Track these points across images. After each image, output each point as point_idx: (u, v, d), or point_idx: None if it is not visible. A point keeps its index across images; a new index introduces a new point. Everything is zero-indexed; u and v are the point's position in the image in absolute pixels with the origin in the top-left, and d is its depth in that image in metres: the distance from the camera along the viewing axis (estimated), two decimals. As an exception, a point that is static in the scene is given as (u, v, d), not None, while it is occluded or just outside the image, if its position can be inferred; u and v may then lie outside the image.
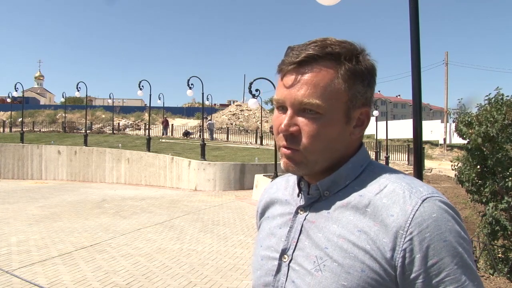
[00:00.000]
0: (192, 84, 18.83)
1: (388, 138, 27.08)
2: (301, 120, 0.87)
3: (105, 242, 7.75)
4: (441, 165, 26.17)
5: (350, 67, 0.86)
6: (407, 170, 22.75)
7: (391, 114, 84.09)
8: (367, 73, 0.89)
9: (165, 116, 35.36)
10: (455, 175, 7.91)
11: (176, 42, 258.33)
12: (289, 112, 0.88)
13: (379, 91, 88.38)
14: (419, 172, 3.81)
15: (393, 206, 0.81)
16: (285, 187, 1.05)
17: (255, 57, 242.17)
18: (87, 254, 6.89)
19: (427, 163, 25.23)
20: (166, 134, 34.46)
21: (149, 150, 20.71)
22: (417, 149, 3.98)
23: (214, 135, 33.72)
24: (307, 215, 0.92)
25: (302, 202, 0.94)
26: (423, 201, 0.80)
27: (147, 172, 19.87)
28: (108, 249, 7.28)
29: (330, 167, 0.91)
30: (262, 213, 1.09)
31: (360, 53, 0.89)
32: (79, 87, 23.83)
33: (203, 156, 17.90)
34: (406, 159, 27.30)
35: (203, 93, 19.56)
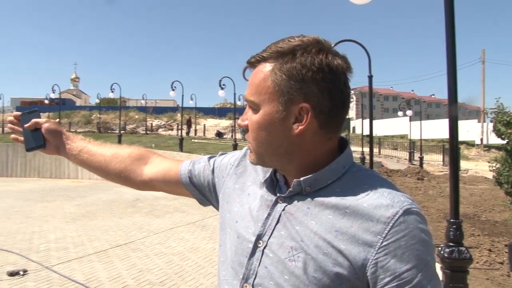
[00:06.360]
0: (224, 85, 19.04)
1: (422, 138, 26.42)
2: (248, 115, 0.96)
3: (139, 241, 7.89)
4: (477, 166, 25.41)
5: (281, 64, 0.89)
6: (442, 171, 22.23)
7: (425, 113, 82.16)
8: (302, 68, 0.87)
9: (189, 116, 35.53)
10: (493, 176, 7.68)
11: (208, 43, 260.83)
12: (246, 108, 0.98)
13: (412, 91, 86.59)
14: (455, 173, 3.71)
15: (373, 211, 0.84)
16: (262, 168, 1.05)
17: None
18: (121, 252, 7.04)
19: (463, 164, 24.48)
20: (189, 134, 34.63)
21: (181, 150, 20.94)
22: (453, 149, 3.88)
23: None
24: (286, 206, 0.94)
25: (282, 193, 0.97)
26: (404, 211, 0.83)
27: (180, 172, 20.01)
28: (142, 247, 7.41)
29: (305, 166, 0.93)
30: (233, 171, 1.12)
31: (300, 49, 0.88)
32: (113, 88, 24.41)
33: (234, 156, 17.90)
34: (441, 160, 26.63)
35: (235, 94, 19.70)
